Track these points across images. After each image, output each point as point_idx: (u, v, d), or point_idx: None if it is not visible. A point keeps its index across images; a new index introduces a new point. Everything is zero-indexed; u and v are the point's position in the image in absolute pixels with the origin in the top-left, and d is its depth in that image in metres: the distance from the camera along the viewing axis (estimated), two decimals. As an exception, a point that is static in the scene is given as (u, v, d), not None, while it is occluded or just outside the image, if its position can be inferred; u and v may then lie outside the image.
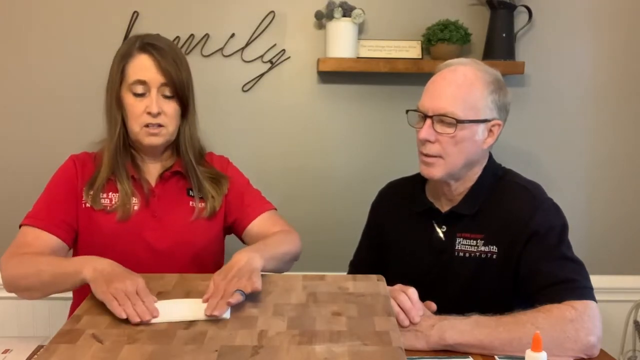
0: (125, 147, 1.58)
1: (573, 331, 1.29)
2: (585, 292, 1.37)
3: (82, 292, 1.40)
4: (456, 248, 1.52)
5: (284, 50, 2.17)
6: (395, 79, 2.20)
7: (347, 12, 2.07)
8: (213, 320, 1.18)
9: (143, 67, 1.52)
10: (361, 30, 2.16)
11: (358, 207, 1.87)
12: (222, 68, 2.17)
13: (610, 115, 2.27)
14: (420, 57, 2.16)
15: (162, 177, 1.61)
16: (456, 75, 1.48)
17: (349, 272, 1.76)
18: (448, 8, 2.17)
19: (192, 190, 1.61)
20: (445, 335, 1.31)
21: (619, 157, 2.30)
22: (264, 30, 2.16)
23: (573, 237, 1.49)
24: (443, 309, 1.41)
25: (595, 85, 2.26)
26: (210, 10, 2.15)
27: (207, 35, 2.15)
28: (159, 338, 1.11)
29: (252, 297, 1.27)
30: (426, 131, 1.47)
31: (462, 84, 1.46)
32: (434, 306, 1.42)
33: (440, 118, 1.46)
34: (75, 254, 1.58)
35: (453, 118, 1.45)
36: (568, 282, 1.37)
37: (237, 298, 1.21)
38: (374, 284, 1.37)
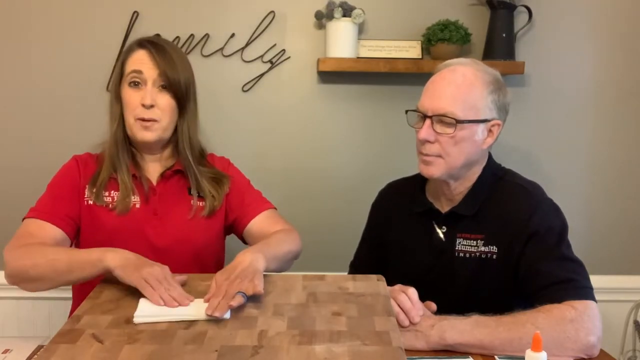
0: (125, 143, 1.60)
1: (573, 331, 1.29)
2: (585, 292, 1.37)
3: (83, 292, 1.40)
4: (456, 248, 1.52)
5: (284, 50, 2.17)
6: (395, 79, 2.20)
7: (347, 12, 2.07)
8: (213, 320, 1.18)
9: (140, 60, 1.55)
10: (361, 30, 2.16)
11: (358, 207, 1.88)
12: (222, 68, 2.17)
13: (610, 115, 2.27)
14: (420, 57, 2.16)
15: (163, 176, 1.62)
16: (455, 76, 1.48)
17: (350, 273, 1.76)
18: (448, 8, 2.17)
19: (192, 190, 1.62)
20: (445, 335, 1.31)
21: (619, 157, 2.30)
22: (264, 30, 2.16)
23: (573, 237, 1.49)
24: (443, 309, 1.41)
25: (595, 85, 2.26)
26: (210, 10, 2.15)
27: (207, 35, 2.15)
28: (159, 338, 1.11)
29: (253, 298, 1.27)
30: (426, 131, 1.47)
31: (461, 84, 1.46)
32: (434, 306, 1.42)
33: (440, 118, 1.46)
34: None
35: (452, 118, 1.45)
36: (568, 282, 1.37)
37: (238, 300, 1.21)
38: (374, 284, 1.37)
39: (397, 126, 2.11)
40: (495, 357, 1.29)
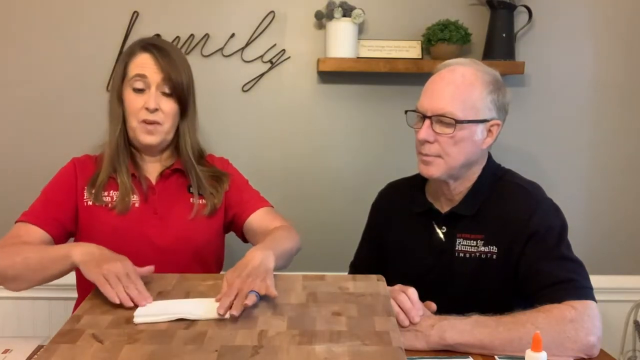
0: (125, 145, 1.60)
1: (573, 331, 1.29)
2: (585, 292, 1.37)
3: (88, 290, 1.40)
4: (456, 249, 1.52)
5: (284, 50, 2.17)
6: (395, 79, 2.20)
7: (347, 12, 2.07)
8: (213, 320, 1.18)
9: (143, 64, 1.55)
10: (361, 30, 2.16)
11: (358, 207, 1.88)
12: (222, 68, 2.17)
13: (610, 115, 2.28)
14: (420, 57, 2.16)
15: (162, 175, 1.63)
16: (455, 76, 1.48)
17: (350, 273, 1.76)
18: (448, 8, 2.18)
19: (191, 188, 1.62)
20: (445, 335, 1.31)
21: (619, 157, 2.30)
22: (264, 30, 2.16)
23: (573, 237, 1.49)
24: (443, 309, 1.41)
25: (595, 85, 2.26)
26: (210, 10, 2.15)
27: (207, 35, 2.15)
28: (159, 338, 1.11)
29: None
30: (425, 131, 1.47)
31: (460, 84, 1.46)
32: (434, 306, 1.42)
33: (439, 118, 1.46)
34: None
35: (452, 118, 1.45)
36: (568, 282, 1.37)
37: (252, 299, 1.20)
38: (374, 284, 1.37)
39: (396, 126, 2.11)
40: (495, 357, 1.29)
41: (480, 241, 1.50)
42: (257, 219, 1.64)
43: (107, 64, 2.10)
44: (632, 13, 2.23)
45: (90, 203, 1.57)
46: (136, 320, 1.17)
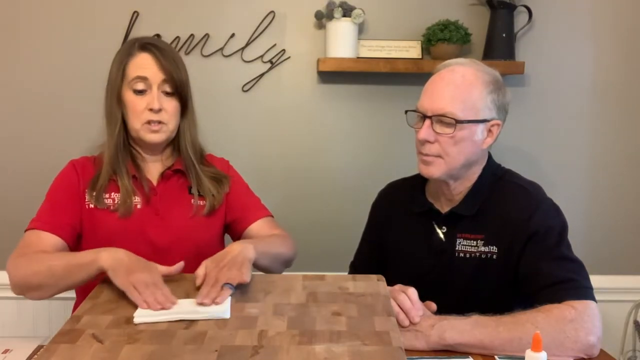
0: (125, 146, 1.59)
1: (573, 331, 1.29)
2: (585, 292, 1.37)
3: (86, 291, 1.40)
4: (456, 249, 1.52)
5: (284, 50, 2.17)
6: (395, 79, 2.20)
7: (347, 12, 2.07)
8: (213, 320, 1.18)
9: (144, 64, 1.54)
10: (361, 30, 2.17)
11: (358, 207, 1.87)
12: (222, 68, 2.17)
13: (610, 115, 2.28)
14: (420, 57, 2.16)
15: (163, 176, 1.63)
16: (455, 76, 1.48)
17: (350, 273, 1.76)
18: (448, 8, 2.18)
19: (192, 188, 1.62)
20: (445, 335, 1.31)
21: (619, 157, 2.30)
22: (264, 30, 2.16)
23: (573, 237, 1.49)
24: (443, 309, 1.41)
25: (595, 85, 2.26)
26: (210, 10, 2.15)
27: (207, 35, 2.15)
28: (159, 338, 1.11)
29: (252, 297, 1.28)
30: (425, 131, 1.47)
31: (460, 84, 1.46)
32: (434, 306, 1.42)
33: (439, 118, 1.46)
34: None
35: (452, 118, 1.45)
36: (568, 282, 1.37)
37: (226, 294, 1.24)
38: (374, 284, 1.37)
39: (397, 126, 2.11)
40: (495, 357, 1.29)
41: (480, 241, 1.50)
42: (256, 229, 1.65)
43: (108, 64, 2.08)
44: (632, 13, 2.23)
45: (91, 206, 1.57)
46: (136, 320, 1.17)
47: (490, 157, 1.58)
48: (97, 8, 2.12)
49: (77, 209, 1.56)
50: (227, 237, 1.74)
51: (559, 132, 2.27)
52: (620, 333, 2.33)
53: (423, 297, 1.40)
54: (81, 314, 1.21)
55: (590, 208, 2.31)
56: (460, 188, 1.55)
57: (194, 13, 2.14)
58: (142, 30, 2.10)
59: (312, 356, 1.04)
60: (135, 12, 2.12)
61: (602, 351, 1.33)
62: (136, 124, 1.55)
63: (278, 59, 2.18)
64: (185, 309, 1.22)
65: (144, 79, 1.53)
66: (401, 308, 1.34)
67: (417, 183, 1.63)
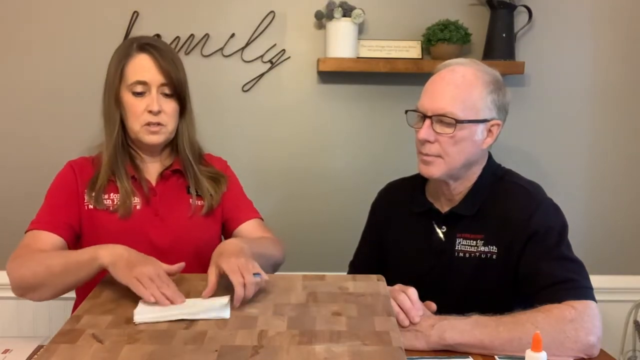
0: (123, 147, 1.59)
1: (573, 331, 1.29)
2: (584, 292, 1.37)
3: (86, 291, 1.40)
4: (456, 248, 1.52)
5: (284, 50, 2.17)
6: (395, 79, 2.20)
7: (347, 12, 2.07)
8: (213, 320, 1.18)
9: (143, 67, 1.53)
10: (361, 30, 2.17)
11: (358, 207, 1.87)
12: (222, 68, 2.17)
13: (610, 115, 2.28)
14: (420, 57, 2.16)
15: (162, 176, 1.63)
16: (455, 76, 1.48)
17: (349, 273, 1.76)
18: (448, 8, 2.18)
19: (190, 188, 1.63)
20: (445, 335, 1.31)
21: (619, 157, 2.30)
22: (264, 30, 2.16)
23: (573, 237, 1.49)
24: (443, 309, 1.41)
25: (595, 85, 2.26)
26: (210, 10, 2.15)
27: (207, 35, 2.15)
28: (159, 338, 1.11)
29: (252, 297, 1.27)
30: (425, 131, 1.47)
31: (461, 84, 1.46)
32: (433, 306, 1.42)
33: (440, 118, 1.46)
34: None
35: (452, 118, 1.45)
36: (568, 282, 1.37)
37: (259, 281, 1.26)
38: (374, 284, 1.37)
39: (397, 126, 2.11)
40: (495, 357, 1.29)
41: (480, 241, 1.50)
42: (248, 229, 1.65)
43: (108, 64, 2.09)
44: (632, 13, 2.23)
45: (91, 207, 1.56)
46: (136, 319, 1.17)
47: (490, 157, 1.58)
48: (97, 8, 2.12)
49: (76, 210, 1.56)
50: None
51: (559, 132, 2.27)
52: (620, 333, 2.33)
53: (423, 297, 1.40)
54: (81, 314, 1.21)
55: (590, 208, 2.31)
56: (460, 188, 1.55)
57: (194, 13, 2.14)
58: (142, 30, 2.10)
59: (312, 356, 1.04)
60: (135, 12, 2.12)
61: (602, 351, 1.33)
62: (135, 125, 1.54)
63: (278, 59, 2.18)
64: (187, 309, 1.21)
65: (143, 83, 1.52)
66: (401, 308, 1.34)
67: (417, 183, 1.64)
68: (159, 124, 1.54)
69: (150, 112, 1.52)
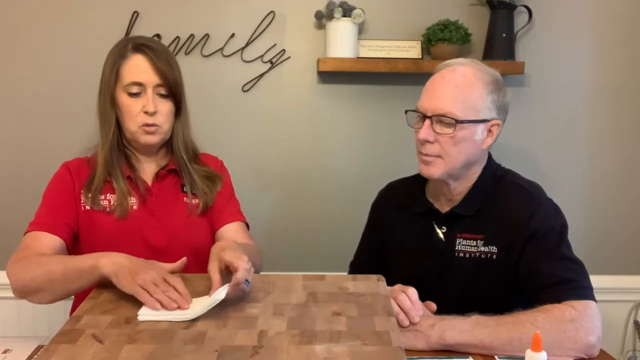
0: (119, 147, 1.59)
1: (573, 331, 1.29)
2: (584, 292, 1.37)
3: (83, 293, 1.40)
4: (456, 249, 1.52)
5: (284, 50, 2.17)
6: (395, 79, 2.20)
7: (347, 12, 2.07)
8: (213, 320, 1.18)
9: (138, 68, 1.53)
10: (361, 30, 2.16)
11: (358, 207, 1.88)
12: (222, 68, 2.17)
13: (610, 115, 2.28)
14: (420, 57, 2.16)
15: (158, 176, 1.63)
16: (455, 76, 1.48)
17: (350, 273, 1.76)
18: (448, 8, 2.18)
19: (185, 187, 1.63)
20: (445, 335, 1.31)
21: (619, 157, 2.30)
22: (264, 30, 2.16)
23: (573, 237, 1.49)
24: (443, 309, 1.41)
25: (595, 85, 2.26)
26: (210, 10, 2.15)
27: (207, 35, 2.15)
28: (159, 338, 1.11)
29: (252, 297, 1.28)
30: (425, 131, 1.47)
31: (461, 84, 1.46)
32: (433, 306, 1.42)
33: (440, 118, 1.46)
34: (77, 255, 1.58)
35: (452, 118, 1.45)
36: (568, 282, 1.37)
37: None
38: (374, 284, 1.37)
39: (397, 126, 2.11)
40: (495, 357, 1.29)
41: (480, 241, 1.50)
42: (231, 231, 1.63)
43: (107, 64, 2.10)
44: (632, 13, 2.23)
45: (87, 207, 1.56)
46: (140, 318, 1.17)
47: (490, 157, 1.58)
48: (97, 8, 2.12)
49: (74, 211, 1.56)
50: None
51: (559, 132, 2.27)
52: (620, 333, 2.33)
53: (423, 297, 1.40)
54: (81, 314, 1.21)
55: (590, 208, 2.31)
56: (460, 188, 1.55)
57: (194, 13, 2.14)
58: (142, 30, 2.09)
59: (312, 356, 1.04)
60: (135, 12, 2.12)
61: (602, 351, 1.33)
62: (131, 126, 1.54)
63: (278, 59, 2.18)
64: (191, 310, 1.21)
65: (139, 84, 1.52)
66: (401, 308, 1.34)
67: (417, 183, 1.64)
68: (155, 124, 1.54)
69: (146, 112, 1.52)
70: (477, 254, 1.50)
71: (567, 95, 2.26)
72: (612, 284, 2.27)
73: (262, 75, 2.18)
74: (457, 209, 1.54)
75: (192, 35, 2.14)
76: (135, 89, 1.52)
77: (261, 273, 1.50)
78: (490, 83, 1.49)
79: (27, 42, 2.13)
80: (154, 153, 1.63)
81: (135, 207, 1.58)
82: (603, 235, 2.32)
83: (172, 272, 1.32)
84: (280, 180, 2.24)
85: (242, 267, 1.23)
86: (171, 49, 2.11)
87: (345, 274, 1.69)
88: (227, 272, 1.27)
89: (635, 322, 2.31)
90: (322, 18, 2.13)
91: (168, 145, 1.64)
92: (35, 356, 1.32)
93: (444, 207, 1.57)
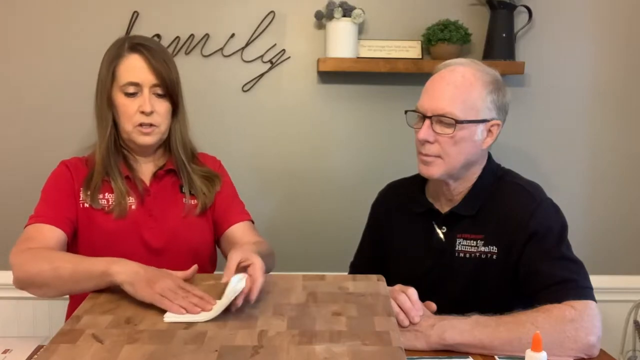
0: (116, 147, 1.59)
1: (573, 331, 1.29)
2: (584, 292, 1.37)
3: (79, 294, 1.40)
4: (456, 249, 1.52)
5: (284, 50, 2.17)
6: (395, 79, 2.20)
7: (347, 12, 2.07)
8: (213, 320, 1.18)
9: (134, 67, 1.52)
10: (361, 30, 2.16)
11: (358, 207, 1.88)
12: (222, 68, 2.17)
13: (610, 115, 2.28)
14: (420, 57, 2.16)
15: (156, 176, 1.63)
16: (455, 76, 1.48)
17: (350, 273, 1.76)
18: (448, 8, 2.18)
19: (183, 188, 1.62)
20: (445, 335, 1.31)
21: (619, 157, 2.30)
22: (264, 30, 2.16)
23: (573, 237, 1.49)
24: (443, 309, 1.41)
25: (595, 85, 2.26)
26: (210, 10, 2.15)
27: (207, 35, 2.15)
28: (159, 338, 1.11)
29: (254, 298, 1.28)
30: (425, 131, 1.47)
31: (461, 85, 1.46)
32: (433, 306, 1.42)
33: (439, 118, 1.46)
34: (74, 253, 1.58)
35: (452, 118, 1.45)
36: (567, 282, 1.37)
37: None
38: (374, 284, 1.38)
39: (397, 126, 2.11)
40: (495, 357, 1.29)
41: (480, 241, 1.50)
42: (240, 231, 1.63)
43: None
44: (632, 13, 2.23)
45: (86, 205, 1.56)
46: (166, 319, 1.18)
47: (490, 157, 1.58)
48: (97, 8, 2.12)
49: (74, 206, 1.56)
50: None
51: (559, 132, 2.27)
52: (620, 333, 2.33)
53: (423, 297, 1.40)
54: (81, 314, 1.21)
55: (590, 208, 2.31)
56: (460, 188, 1.55)
57: (194, 13, 2.14)
58: (142, 30, 2.09)
59: (312, 356, 1.04)
60: (135, 12, 2.12)
61: (602, 351, 1.33)
62: (128, 126, 1.54)
63: (278, 59, 2.18)
64: (213, 310, 1.21)
65: (135, 84, 1.52)
66: (401, 308, 1.34)
67: (417, 183, 1.64)
68: (151, 124, 1.54)
69: (142, 112, 1.52)
70: (477, 254, 1.50)
71: (567, 95, 2.26)
72: (612, 284, 2.27)
73: (262, 75, 2.18)
74: (457, 209, 1.54)
75: (192, 35, 2.14)
76: (131, 89, 1.52)
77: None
78: (490, 83, 1.49)
79: (27, 42, 2.13)
80: (151, 153, 1.63)
81: (133, 207, 1.58)
82: (603, 235, 2.32)
83: (186, 279, 1.32)
84: (280, 180, 2.24)
85: (258, 264, 1.25)
86: (171, 49, 2.11)
87: (345, 274, 1.69)
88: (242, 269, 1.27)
89: (635, 322, 2.31)
90: (322, 18, 2.13)
91: (166, 145, 1.63)
92: (35, 356, 1.32)
93: (444, 207, 1.57)
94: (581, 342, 1.29)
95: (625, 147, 2.29)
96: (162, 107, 1.55)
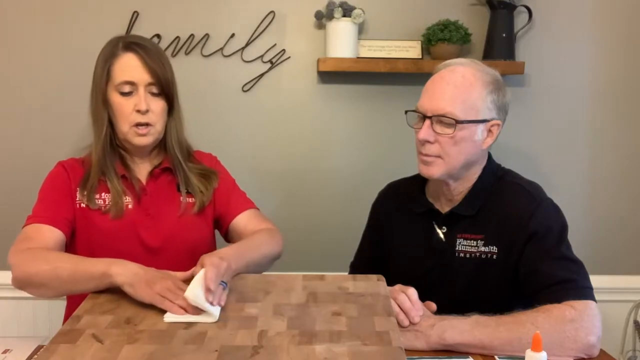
0: (112, 147, 1.58)
1: (573, 331, 1.29)
2: (584, 292, 1.37)
3: (77, 295, 1.40)
4: (456, 249, 1.52)
5: (284, 50, 2.17)
6: (395, 79, 2.20)
7: (347, 12, 2.07)
8: (213, 320, 1.18)
9: (129, 66, 1.52)
10: (361, 30, 2.16)
11: (358, 207, 1.88)
12: (222, 68, 2.17)
13: (610, 115, 2.28)
14: (420, 57, 2.16)
15: (152, 175, 1.62)
16: (455, 76, 1.48)
17: (350, 273, 1.76)
18: (448, 8, 2.18)
19: (180, 186, 1.62)
20: (445, 335, 1.31)
21: (619, 157, 2.30)
22: (264, 30, 2.16)
23: (573, 237, 1.49)
24: (443, 309, 1.41)
25: (596, 85, 2.26)
26: (210, 10, 2.15)
27: (207, 35, 2.15)
28: (159, 338, 1.11)
29: (252, 297, 1.28)
30: (425, 132, 1.47)
31: (461, 85, 1.46)
32: (433, 306, 1.42)
33: (439, 118, 1.46)
34: (72, 253, 1.58)
35: (452, 118, 1.45)
36: (567, 282, 1.37)
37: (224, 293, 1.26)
38: (374, 284, 1.38)
39: (397, 126, 2.11)
40: (495, 357, 1.29)
41: (480, 241, 1.50)
42: (244, 221, 1.64)
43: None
44: (632, 13, 2.23)
45: (83, 205, 1.56)
46: (166, 319, 1.18)
47: (490, 157, 1.58)
48: (96, 8, 2.12)
49: (71, 206, 1.55)
50: (221, 239, 1.74)
51: (559, 132, 2.27)
52: (620, 333, 2.33)
53: (423, 297, 1.40)
54: (81, 314, 1.21)
55: (590, 208, 2.31)
56: (460, 188, 1.55)
57: (194, 13, 2.14)
58: (142, 30, 2.09)
59: (312, 356, 1.04)
60: (135, 12, 2.12)
61: (602, 351, 1.33)
62: (124, 126, 1.54)
63: (278, 59, 2.18)
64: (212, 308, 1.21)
65: (130, 83, 1.51)
66: (401, 308, 1.34)
67: (417, 183, 1.64)
68: (147, 124, 1.53)
69: (138, 111, 1.52)
70: (477, 254, 1.50)
71: (567, 95, 2.26)
72: (612, 284, 2.27)
73: (262, 75, 2.18)
74: (457, 209, 1.54)
75: (192, 35, 2.14)
76: (126, 88, 1.52)
77: (261, 273, 1.50)
78: (490, 83, 1.49)
79: (27, 42, 2.13)
80: (147, 153, 1.63)
81: (130, 206, 1.58)
82: (603, 235, 2.32)
83: (186, 281, 1.31)
84: (280, 180, 2.24)
85: (208, 263, 1.26)
86: (171, 49, 2.11)
87: (346, 274, 1.69)
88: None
89: (635, 322, 2.31)
90: (322, 18, 2.13)
91: (161, 144, 1.63)
92: (35, 356, 1.32)
93: (444, 208, 1.57)
94: (581, 342, 1.29)
95: (625, 147, 2.29)
96: (158, 105, 1.55)
